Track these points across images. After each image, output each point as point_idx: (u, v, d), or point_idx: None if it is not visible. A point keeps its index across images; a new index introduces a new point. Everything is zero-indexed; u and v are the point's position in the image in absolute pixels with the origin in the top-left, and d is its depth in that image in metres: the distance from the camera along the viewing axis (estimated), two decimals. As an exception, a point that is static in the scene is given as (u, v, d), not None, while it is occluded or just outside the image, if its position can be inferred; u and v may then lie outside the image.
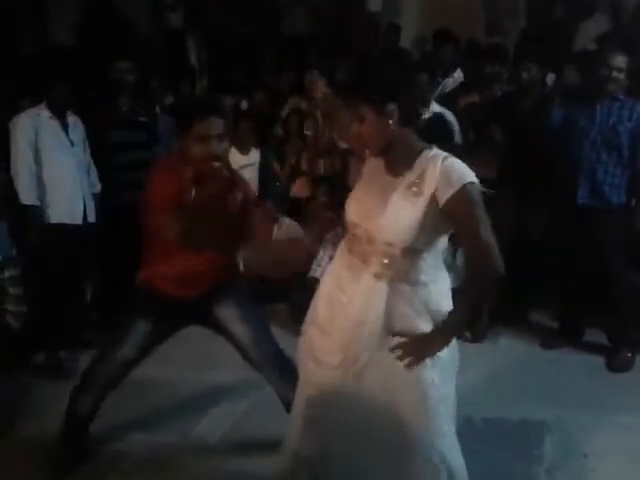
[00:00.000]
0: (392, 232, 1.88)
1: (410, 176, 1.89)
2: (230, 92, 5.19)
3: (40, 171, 3.60)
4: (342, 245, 2.07)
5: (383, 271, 1.91)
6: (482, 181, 4.14)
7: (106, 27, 5.64)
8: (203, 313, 2.60)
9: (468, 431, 2.85)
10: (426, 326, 1.92)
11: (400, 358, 1.90)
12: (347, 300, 1.97)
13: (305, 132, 5.10)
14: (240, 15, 6.37)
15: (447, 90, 4.70)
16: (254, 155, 4.76)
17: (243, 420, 3.05)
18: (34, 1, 5.79)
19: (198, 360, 3.50)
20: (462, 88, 4.60)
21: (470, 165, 4.30)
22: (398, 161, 1.93)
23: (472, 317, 1.96)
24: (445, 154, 1.90)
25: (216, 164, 2.40)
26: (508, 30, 6.27)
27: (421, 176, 1.87)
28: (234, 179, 2.55)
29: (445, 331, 1.92)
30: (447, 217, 1.86)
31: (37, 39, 5.73)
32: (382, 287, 1.91)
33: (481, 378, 3.35)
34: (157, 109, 4.46)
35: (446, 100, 4.39)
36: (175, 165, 2.44)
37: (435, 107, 4.16)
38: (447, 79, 4.79)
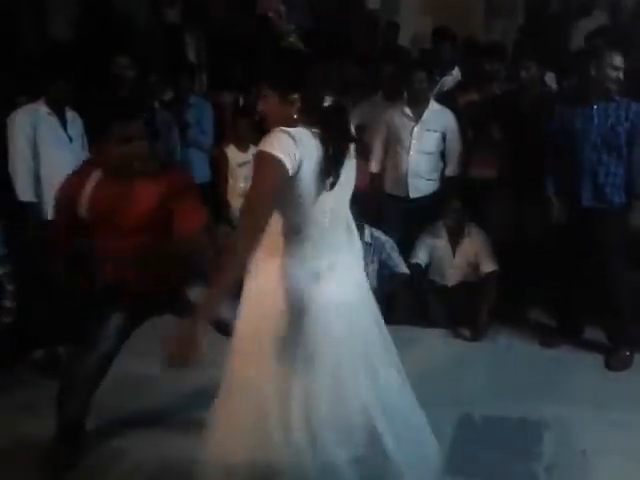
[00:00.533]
0: None
1: None
2: (228, 88, 5.17)
3: (38, 167, 3.59)
4: None
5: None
6: (481, 180, 4.18)
7: (105, 22, 5.61)
8: (171, 302, 2.60)
9: (467, 429, 2.89)
10: None
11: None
12: None
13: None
14: (238, 11, 6.35)
15: (445, 88, 4.69)
16: (252, 153, 4.73)
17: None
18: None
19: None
20: (461, 86, 4.58)
21: (469, 163, 4.34)
22: None
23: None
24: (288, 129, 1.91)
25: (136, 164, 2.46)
26: (506, 27, 6.26)
27: None
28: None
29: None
30: None
31: (36, 35, 5.68)
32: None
33: (480, 376, 3.37)
34: (156, 104, 4.44)
35: (445, 98, 4.38)
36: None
37: (434, 105, 4.16)
38: (445, 77, 4.78)
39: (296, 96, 1.94)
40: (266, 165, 1.86)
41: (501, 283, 3.95)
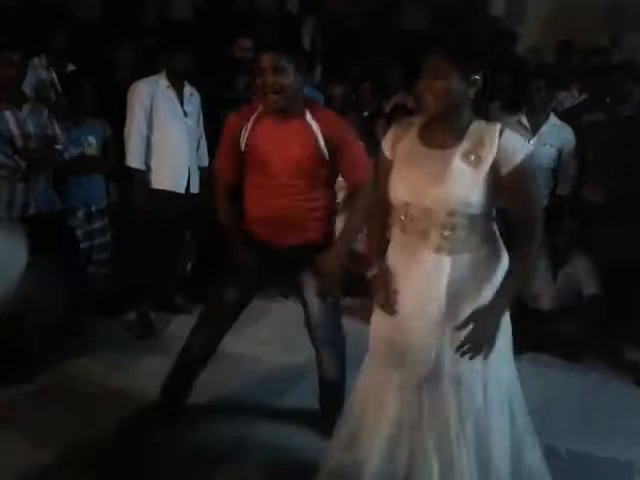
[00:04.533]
0: (454, 200, 1.91)
1: (464, 145, 1.93)
2: (341, 80, 5.16)
3: (150, 136, 3.68)
4: (394, 232, 2.09)
5: (444, 244, 1.95)
6: (593, 204, 3.94)
7: (228, 6, 5.72)
8: (288, 270, 2.67)
9: (551, 462, 2.74)
10: (490, 293, 1.96)
11: (463, 354, 1.93)
12: (406, 281, 2.03)
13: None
14: (356, 5, 6.35)
15: (566, 105, 4.47)
16: None
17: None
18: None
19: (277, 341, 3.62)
20: (585, 104, 4.36)
21: (583, 185, 4.09)
22: (446, 132, 1.96)
23: (520, 285, 2.04)
24: (498, 124, 1.95)
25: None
26: (635, 45, 5.92)
27: (478, 144, 1.92)
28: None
29: (498, 302, 1.95)
30: (505, 187, 1.91)
31: (158, 14, 5.87)
32: (445, 260, 1.95)
33: (569, 410, 3.21)
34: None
35: (567, 116, 4.16)
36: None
37: (554, 119, 3.98)
38: (564, 93, 4.56)
39: (478, 77, 1.95)
40: (531, 164, 2.00)
41: (601, 314, 3.74)
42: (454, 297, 1.95)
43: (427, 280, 1.97)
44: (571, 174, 3.99)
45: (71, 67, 4.12)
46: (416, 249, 1.99)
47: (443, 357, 1.99)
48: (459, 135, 1.94)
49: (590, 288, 3.78)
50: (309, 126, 2.51)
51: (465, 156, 1.92)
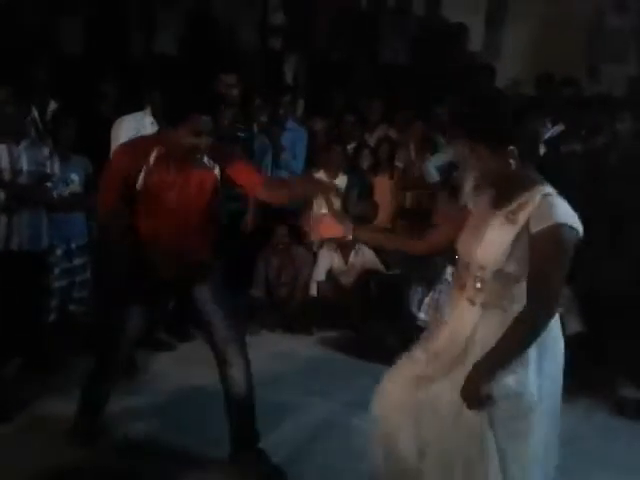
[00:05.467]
0: (483, 254, 1.97)
1: (510, 206, 1.95)
2: (323, 114, 5.21)
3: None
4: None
5: (476, 295, 1.99)
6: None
7: (210, 41, 5.79)
8: (184, 291, 2.78)
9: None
10: None
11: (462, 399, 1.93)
12: (445, 325, 2.11)
13: (396, 163, 5.06)
14: (340, 41, 6.45)
15: (547, 136, 4.56)
16: (341, 180, 4.77)
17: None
18: (143, 12, 6.00)
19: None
20: (562, 136, 4.44)
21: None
22: (505, 194, 1.98)
23: (505, 358, 1.90)
24: (551, 190, 1.92)
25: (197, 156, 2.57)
26: (614, 75, 6.02)
27: (520, 206, 1.93)
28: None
29: (477, 370, 1.91)
30: (530, 246, 1.88)
31: (144, 49, 5.93)
32: (475, 310, 1.99)
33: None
34: (255, 127, 4.52)
35: (547, 145, 4.25)
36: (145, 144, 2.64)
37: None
38: (556, 127, 4.64)
39: (511, 146, 1.89)
40: (569, 239, 1.86)
41: (586, 344, 3.74)
42: (470, 346, 1.99)
43: (457, 325, 2.05)
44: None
45: (53, 104, 4.12)
46: (457, 300, 2.08)
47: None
48: (513, 197, 1.95)
49: (572, 327, 3.78)
50: None
51: (506, 216, 1.95)
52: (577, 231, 1.87)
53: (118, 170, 2.60)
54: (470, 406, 1.91)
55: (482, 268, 1.97)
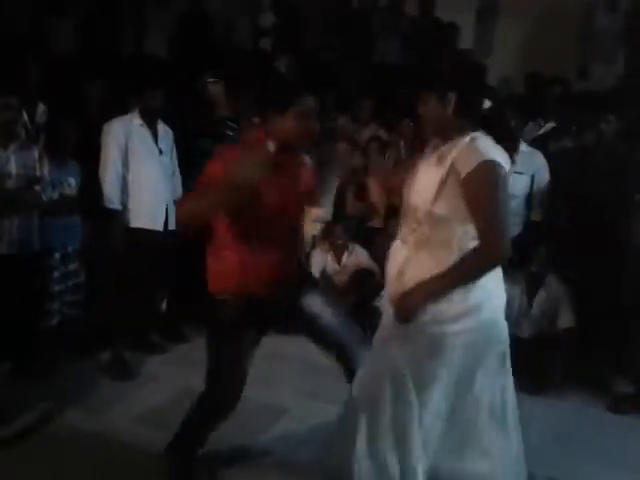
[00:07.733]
0: (415, 196, 2.06)
1: (440, 151, 2.05)
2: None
3: (126, 176, 3.67)
4: None
5: (409, 234, 2.08)
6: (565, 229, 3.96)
7: (201, 42, 5.78)
8: (293, 310, 2.45)
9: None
10: None
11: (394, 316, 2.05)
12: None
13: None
14: (331, 41, 6.45)
15: (532, 135, 4.57)
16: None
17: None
18: (134, 13, 6.00)
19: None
20: (552, 133, 4.45)
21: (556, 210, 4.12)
22: (441, 139, 2.08)
23: (449, 286, 1.98)
24: (479, 135, 2.00)
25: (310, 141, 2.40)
26: (604, 74, 6.04)
27: (448, 149, 2.01)
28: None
29: (419, 289, 2.00)
30: (462, 192, 1.95)
31: (135, 49, 5.92)
32: (405, 248, 2.08)
33: (547, 435, 3.19)
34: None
35: (537, 141, 4.25)
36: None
37: (523, 147, 4.05)
38: (548, 124, 4.65)
39: (452, 95, 2.01)
40: (497, 173, 1.94)
41: (578, 340, 3.76)
42: (399, 286, 2.07)
43: (392, 263, 2.15)
44: (544, 199, 4.04)
45: (42, 106, 4.11)
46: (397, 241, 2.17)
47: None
48: (443, 144, 2.07)
49: (565, 321, 3.80)
50: None
51: (437, 159, 2.04)
52: (504, 168, 1.96)
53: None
54: (398, 318, 2.02)
55: (416, 209, 2.05)
